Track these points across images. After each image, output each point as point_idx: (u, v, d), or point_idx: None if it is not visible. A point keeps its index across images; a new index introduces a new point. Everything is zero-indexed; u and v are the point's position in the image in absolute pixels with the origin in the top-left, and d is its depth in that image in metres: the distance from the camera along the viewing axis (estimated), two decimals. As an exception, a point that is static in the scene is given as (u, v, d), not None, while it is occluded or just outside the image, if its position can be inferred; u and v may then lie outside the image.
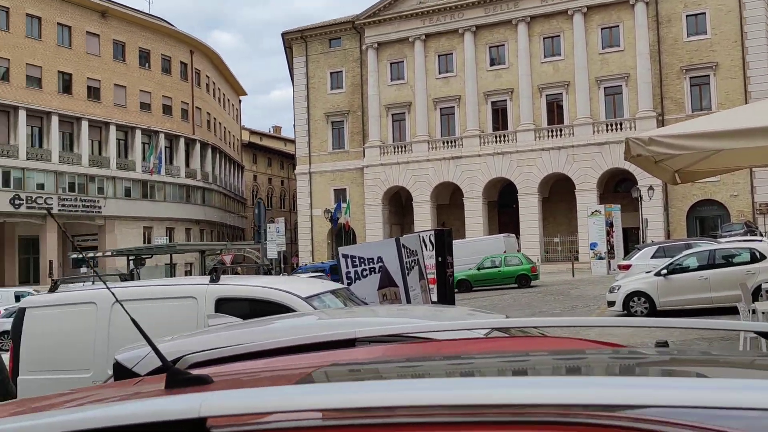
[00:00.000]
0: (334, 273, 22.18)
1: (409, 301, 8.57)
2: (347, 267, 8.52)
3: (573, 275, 33.93)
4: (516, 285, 29.96)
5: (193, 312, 5.67)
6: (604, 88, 42.78)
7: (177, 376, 1.48)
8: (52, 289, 6.54)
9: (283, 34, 51.81)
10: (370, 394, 1.10)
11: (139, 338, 4.81)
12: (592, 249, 35.60)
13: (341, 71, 49.93)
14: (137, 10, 55.03)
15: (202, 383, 1.46)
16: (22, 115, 44.74)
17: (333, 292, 6.26)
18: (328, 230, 47.58)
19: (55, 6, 47.24)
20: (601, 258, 34.83)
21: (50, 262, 41.06)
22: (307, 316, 4.25)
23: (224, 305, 5.75)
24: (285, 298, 5.58)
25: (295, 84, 51.82)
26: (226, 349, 1.88)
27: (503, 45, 45.32)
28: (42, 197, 45.27)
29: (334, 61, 50.09)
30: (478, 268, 30.41)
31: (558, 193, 44.26)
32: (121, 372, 3.53)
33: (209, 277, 6.07)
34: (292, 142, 60.84)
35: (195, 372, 1.61)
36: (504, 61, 45.34)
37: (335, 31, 50.13)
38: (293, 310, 5.43)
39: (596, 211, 35.68)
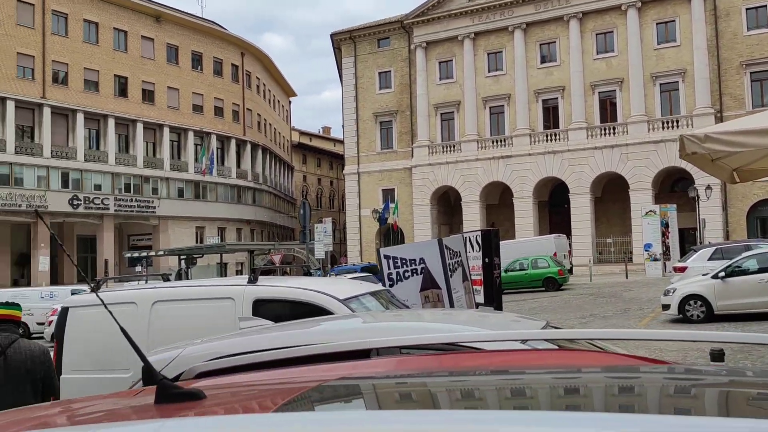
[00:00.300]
0: (372, 273, 22.09)
1: (452, 304, 8.38)
2: (389, 268, 8.39)
3: (626, 277, 33.07)
4: (543, 288, 29.38)
5: (230, 313, 5.62)
6: (660, 84, 41.58)
7: (167, 390, 1.37)
8: (94, 289, 6.58)
9: (332, 35, 52.06)
10: (356, 427, 0.96)
11: (179, 338, 4.78)
12: (646, 250, 34.58)
13: (390, 71, 49.88)
14: (190, 14, 56.12)
15: (193, 398, 1.34)
16: (80, 118, 46.13)
17: (373, 294, 6.13)
18: (377, 230, 47.59)
19: (111, 11, 48.56)
20: (655, 260, 33.80)
21: (106, 261, 42.18)
22: (337, 320, 4.13)
23: (262, 307, 5.68)
24: (322, 299, 5.48)
25: (344, 84, 52.01)
26: (232, 358, 1.76)
27: (554, 42, 44.53)
28: (99, 198, 46.59)
29: (382, 60, 50.08)
30: (506, 271, 29.95)
31: (611, 192, 43.23)
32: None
33: (247, 277, 6.02)
34: (341, 142, 61.09)
35: (196, 384, 1.49)
36: (555, 58, 44.54)
37: (384, 31, 50.11)
38: (330, 313, 5.33)
39: (651, 211, 34.65)
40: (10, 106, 42.55)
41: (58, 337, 6.25)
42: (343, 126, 53.18)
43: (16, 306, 5.44)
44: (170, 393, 1.37)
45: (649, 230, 34.09)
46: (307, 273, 7.47)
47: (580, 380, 1.60)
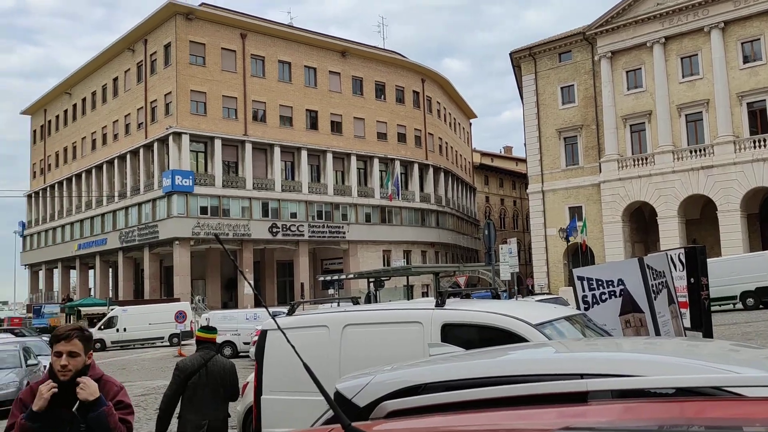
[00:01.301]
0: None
1: (657, 330, 7.63)
2: (583, 290, 7.84)
3: None
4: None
5: (418, 337, 5.50)
6: None
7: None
8: (290, 312, 6.83)
9: (511, 54, 51.46)
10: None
11: (368, 364, 4.73)
12: None
13: (572, 85, 48.16)
14: (373, 46, 58.56)
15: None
16: (276, 151, 49.70)
17: (568, 318, 5.72)
18: (564, 250, 45.80)
19: (302, 51, 52.02)
20: None
21: (302, 285, 44.71)
22: (535, 349, 3.81)
23: (450, 331, 5.50)
24: (513, 324, 5.18)
25: (524, 102, 51.08)
26: (427, 397, 1.57)
27: (758, 39, 40.37)
28: (295, 225, 49.70)
29: (564, 75, 48.52)
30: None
31: (837, 202, 38.00)
32: (341, 401, 3.42)
33: (435, 300, 5.87)
34: (523, 161, 59.95)
35: (387, 427, 1.32)
36: (760, 56, 40.33)
37: (564, 45, 48.59)
38: (522, 339, 5.02)
39: None
40: (218, 144, 46.92)
41: (258, 358, 6.52)
42: (525, 144, 52.13)
43: (213, 330, 7.05)
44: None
45: None
46: (496, 296, 7.20)
47: None
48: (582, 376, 2.27)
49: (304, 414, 6.01)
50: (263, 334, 6.60)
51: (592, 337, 5.39)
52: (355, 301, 7.30)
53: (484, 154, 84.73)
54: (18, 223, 67.29)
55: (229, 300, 50.80)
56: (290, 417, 6.11)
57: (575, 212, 46.14)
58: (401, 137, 58.16)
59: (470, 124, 79.08)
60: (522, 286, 51.58)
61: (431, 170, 60.67)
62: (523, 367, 2.70)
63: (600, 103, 45.95)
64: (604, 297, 7.76)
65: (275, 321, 1.90)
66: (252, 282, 47.95)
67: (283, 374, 6.31)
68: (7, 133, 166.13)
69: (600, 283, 7.81)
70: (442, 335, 5.46)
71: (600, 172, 45.51)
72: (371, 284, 29.81)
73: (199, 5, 48.20)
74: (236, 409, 9.82)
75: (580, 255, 41.32)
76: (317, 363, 6.24)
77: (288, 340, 1.60)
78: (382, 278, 29.84)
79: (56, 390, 3.60)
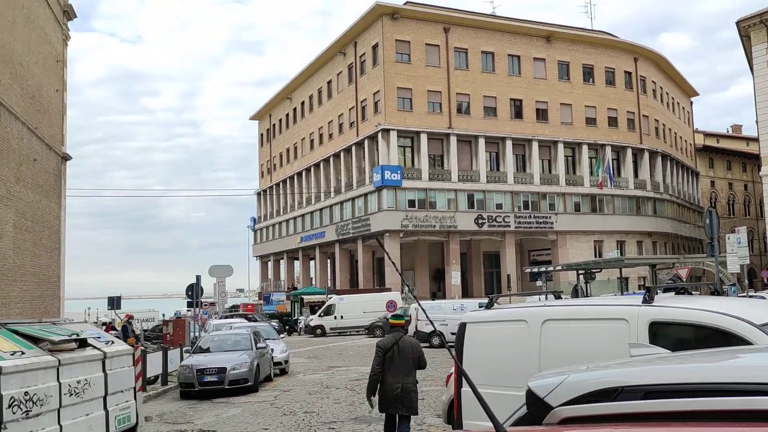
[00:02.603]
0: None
1: None
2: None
3: None
4: None
5: (623, 336, 5.17)
6: None
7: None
8: (489, 306, 6.79)
9: (738, 22, 46.35)
10: None
11: (569, 361, 4.56)
12: None
13: (816, 51, 42.22)
14: (579, 28, 56.19)
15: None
16: (481, 142, 49.71)
17: (803, 319, 5.02)
18: (808, 239, 40.40)
19: (505, 39, 51.43)
20: None
21: (508, 277, 44.33)
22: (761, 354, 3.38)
23: (659, 330, 5.10)
24: (733, 325, 4.67)
25: (755, 75, 45.78)
26: (606, 405, 1.47)
27: None
28: (501, 216, 49.39)
29: (805, 41, 42.68)
30: None
31: None
32: (533, 399, 3.33)
33: (642, 297, 5.48)
34: (755, 140, 53.85)
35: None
36: None
37: (805, 6, 42.71)
38: (744, 342, 4.50)
39: None
40: (424, 138, 48.05)
41: (458, 350, 6.58)
42: (756, 122, 46.73)
43: (402, 317, 9.28)
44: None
45: None
46: (716, 292, 6.50)
47: None
48: None
49: (503, 409, 5.96)
50: (462, 327, 6.65)
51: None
52: (557, 295, 7.06)
53: (708, 135, 77.46)
54: (250, 219, 74.54)
55: (437, 290, 51.89)
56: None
57: (821, 196, 40.46)
58: (612, 121, 55.17)
59: (691, 103, 72.74)
60: (756, 279, 46.46)
61: (647, 155, 56.83)
62: (744, 374, 2.34)
63: None
64: None
65: (417, 301, 1.87)
66: (459, 273, 48.52)
67: (482, 367, 6.30)
68: (241, 138, 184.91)
69: None
70: (650, 334, 5.09)
71: None
72: (581, 276, 28.68)
73: (404, 4, 49.63)
74: (441, 399, 10.03)
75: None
76: (516, 358, 6.15)
77: (434, 327, 1.56)
78: (593, 270, 28.57)
79: None
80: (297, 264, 67.62)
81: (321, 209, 57.22)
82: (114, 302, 33.73)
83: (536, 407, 3.05)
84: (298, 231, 61.66)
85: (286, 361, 20.69)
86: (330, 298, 42.28)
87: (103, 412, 9.05)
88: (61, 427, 7.98)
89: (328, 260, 60.60)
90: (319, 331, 39.31)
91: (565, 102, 53.15)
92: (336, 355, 26.32)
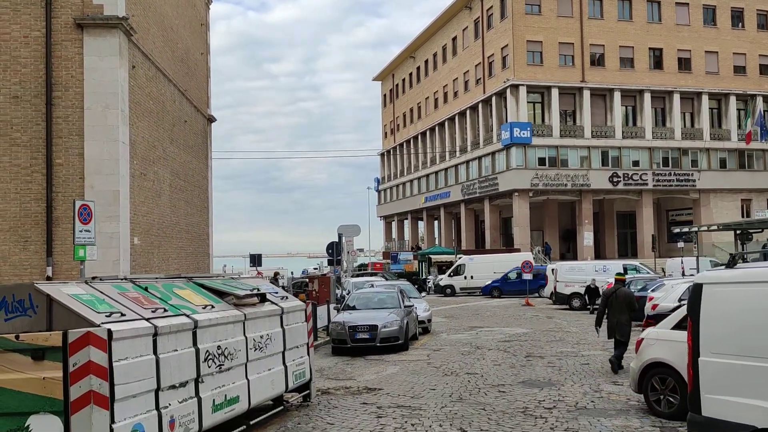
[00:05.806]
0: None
1: None
2: None
3: None
4: None
5: None
6: None
7: None
8: (730, 265, 5.96)
9: None
10: None
11: None
12: None
13: None
14: (727, -32, 51.41)
15: None
16: (617, 96, 46.99)
17: None
18: None
19: (642, -16, 47.92)
20: None
21: (653, 237, 41.90)
22: None
23: None
24: None
25: None
26: None
27: None
28: (637, 174, 46.79)
29: None
30: None
31: None
32: None
33: None
34: None
35: None
36: None
37: None
38: None
39: None
40: (555, 93, 46.02)
41: (693, 315, 5.84)
42: None
43: (623, 274, 13.77)
44: None
45: None
46: None
47: None
48: None
49: (760, 382, 5.20)
50: (698, 288, 5.89)
51: None
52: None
53: None
54: (373, 180, 75.17)
55: (567, 251, 50.18)
56: (738, 384, 5.34)
57: None
58: (764, 69, 50.44)
59: None
60: None
61: (804, 105, 51.70)
62: None
63: None
64: None
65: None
66: (591, 234, 46.55)
67: (727, 334, 5.55)
68: (362, 100, 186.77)
69: None
70: None
71: None
72: (738, 237, 26.47)
73: (534, -48, 47.27)
74: (630, 365, 9.30)
75: None
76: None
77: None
78: (752, 230, 26.30)
79: None
80: (421, 224, 67.63)
81: (446, 169, 56.56)
82: (255, 260, 35.02)
83: None
84: (423, 191, 61.43)
85: (429, 320, 20.50)
86: (459, 258, 41.84)
87: (282, 367, 9.04)
88: (248, 381, 7.98)
89: (453, 220, 60.10)
90: (449, 290, 39.07)
91: (711, 50, 49.10)
92: (472, 315, 25.92)
